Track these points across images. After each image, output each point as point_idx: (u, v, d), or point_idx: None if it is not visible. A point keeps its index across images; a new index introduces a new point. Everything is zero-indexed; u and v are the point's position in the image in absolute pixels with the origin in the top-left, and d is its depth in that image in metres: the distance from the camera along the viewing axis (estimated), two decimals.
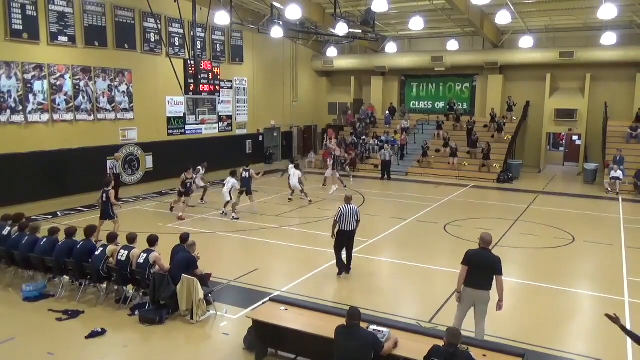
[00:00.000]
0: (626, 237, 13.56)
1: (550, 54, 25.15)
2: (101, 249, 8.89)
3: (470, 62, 27.41)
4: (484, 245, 7.03)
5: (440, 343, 5.43)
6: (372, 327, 6.07)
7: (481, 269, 6.89)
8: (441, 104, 29.34)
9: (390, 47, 25.96)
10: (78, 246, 9.08)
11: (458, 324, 6.89)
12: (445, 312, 8.55)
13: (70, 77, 17.56)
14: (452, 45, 24.75)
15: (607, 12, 15.65)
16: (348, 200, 10.46)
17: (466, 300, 7.01)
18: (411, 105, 30.30)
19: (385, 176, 22.83)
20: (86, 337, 7.50)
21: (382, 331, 6.01)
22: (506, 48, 26.43)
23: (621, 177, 20.03)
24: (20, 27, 16.01)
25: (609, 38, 20.78)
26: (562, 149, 29.93)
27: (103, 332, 7.64)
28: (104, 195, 12.09)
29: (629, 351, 7.30)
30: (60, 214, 14.93)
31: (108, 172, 17.67)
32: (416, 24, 19.00)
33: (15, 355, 7.09)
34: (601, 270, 11.34)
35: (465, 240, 13.15)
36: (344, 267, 10.33)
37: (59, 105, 17.28)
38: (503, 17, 17.86)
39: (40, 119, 16.78)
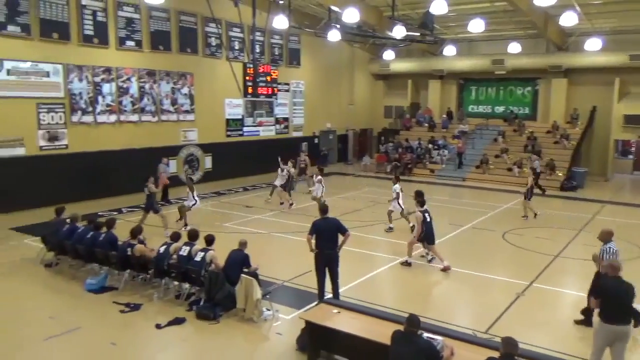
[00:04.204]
0: None
1: (619, 57, 23.90)
2: (164, 247, 9.23)
3: (532, 65, 26.43)
4: (614, 273, 6.40)
5: (496, 354, 5.27)
6: (425, 335, 5.97)
7: (618, 299, 6.19)
8: (501, 109, 28.54)
9: (449, 50, 25.49)
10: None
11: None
12: (502, 323, 8.31)
13: (136, 80, 18.35)
14: (514, 48, 24.00)
15: None
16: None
17: (604, 338, 6.26)
18: (469, 110, 29.62)
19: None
20: (147, 330, 7.81)
21: (436, 339, 5.90)
22: (571, 51, 25.33)
23: None
24: (92, 33, 16.88)
25: None
26: (631, 156, 28.40)
27: (161, 325, 7.92)
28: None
29: None
30: (124, 211, 15.56)
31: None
32: (476, 26, 18.56)
33: (80, 344, 7.48)
34: None
35: (526, 250, 12.76)
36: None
37: (125, 106, 18.08)
38: (568, 19, 17.14)
39: (108, 119, 17.61)
